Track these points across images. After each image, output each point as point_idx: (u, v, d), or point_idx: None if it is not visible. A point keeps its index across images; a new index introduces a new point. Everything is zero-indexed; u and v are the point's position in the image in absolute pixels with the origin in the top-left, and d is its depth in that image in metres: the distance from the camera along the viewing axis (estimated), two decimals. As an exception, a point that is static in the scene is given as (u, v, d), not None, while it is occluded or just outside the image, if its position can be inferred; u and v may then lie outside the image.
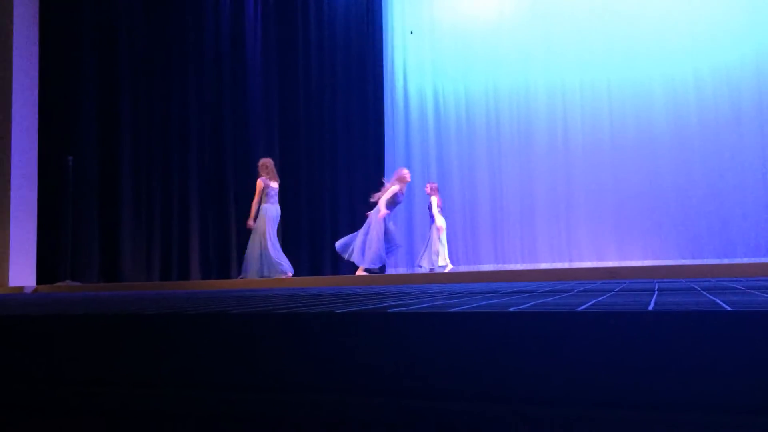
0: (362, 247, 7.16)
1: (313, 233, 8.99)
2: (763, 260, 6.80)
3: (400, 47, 9.58)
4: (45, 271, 7.86)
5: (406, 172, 7.37)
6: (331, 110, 9.31)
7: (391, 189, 7.25)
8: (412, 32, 9.48)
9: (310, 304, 1.91)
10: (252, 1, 9.00)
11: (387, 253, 7.28)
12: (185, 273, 8.35)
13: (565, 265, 8.12)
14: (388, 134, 9.48)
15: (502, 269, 8.13)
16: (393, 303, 1.87)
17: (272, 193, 7.41)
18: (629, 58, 8.35)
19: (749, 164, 7.75)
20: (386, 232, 7.21)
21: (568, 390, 1.05)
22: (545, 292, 2.62)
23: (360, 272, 7.30)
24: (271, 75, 9.07)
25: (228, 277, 8.34)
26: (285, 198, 8.87)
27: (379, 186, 7.58)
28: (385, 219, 7.19)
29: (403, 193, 7.27)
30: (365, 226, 7.31)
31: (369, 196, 9.25)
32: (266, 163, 7.48)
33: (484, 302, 1.88)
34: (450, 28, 9.30)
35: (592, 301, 1.74)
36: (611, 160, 8.33)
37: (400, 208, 9.05)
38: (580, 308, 1.49)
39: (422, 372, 1.08)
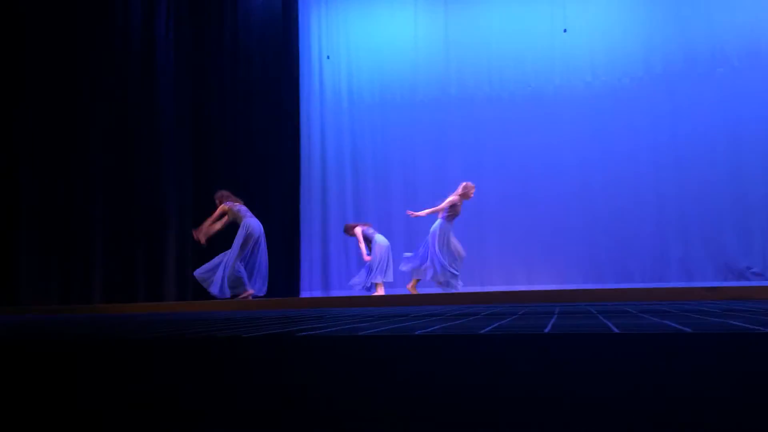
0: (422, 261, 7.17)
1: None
2: (656, 285, 7.23)
3: (317, 72, 9.64)
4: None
5: (470, 186, 7.26)
6: (246, 134, 9.18)
7: (453, 200, 7.21)
8: (328, 57, 9.57)
9: (217, 328, 1.89)
10: (163, 31, 8.78)
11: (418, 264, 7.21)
12: (87, 295, 7.97)
13: (477, 289, 8.32)
14: (304, 158, 9.46)
15: (416, 293, 8.24)
16: (303, 327, 1.88)
17: (243, 210, 7.23)
18: (535, 86, 8.73)
19: (644, 196, 8.23)
20: (446, 244, 7.13)
21: (470, 410, 1.09)
22: (453, 315, 2.70)
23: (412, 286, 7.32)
24: (183, 99, 8.83)
25: (134, 300, 8.02)
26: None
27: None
28: (442, 230, 7.14)
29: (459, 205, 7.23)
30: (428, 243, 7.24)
31: (285, 216, 9.20)
32: (223, 192, 7.27)
33: (392, 326, 1.91)
34: (366, 52, 9.45)
35: (495, 324, 1.82)
36: (521, 187, 8.64)
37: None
38: (482, 331, 1.55)
39: (325, 395, 1.09)
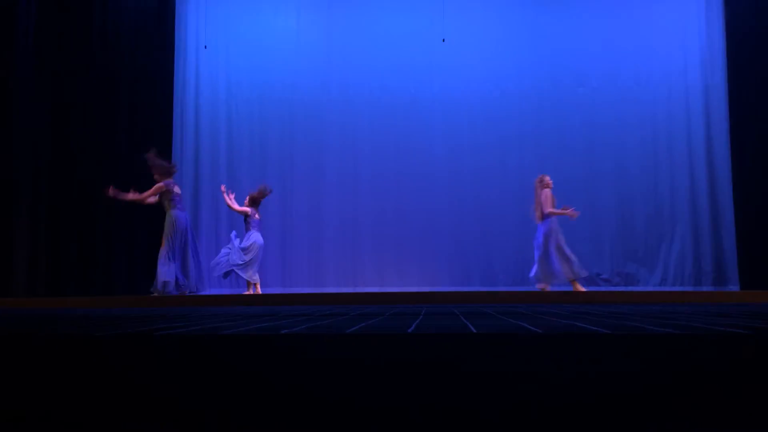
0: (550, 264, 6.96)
1: (83, 252, 8.19)
2: (518, 288, 7.63)
3: (193, 62, 9.27)
4: None
5: (543, 176, 7.19)
6: (113, 128, 8.57)
7: (544, 194, 7.04)
8: (206, 47, 9.23)
9: (73, 325, 1.78)
10: (24, 7, 8.03)
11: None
12: None
13: (350, 289, 8.37)
14: (176, 154, 9.04)
15: (288, 292, 8.16)
16: (164, 326, 1.80)
17: (177, 198, 6.95)
18: (413, 91, 8.92)
19: (509, 206, 8.64)
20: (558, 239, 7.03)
21: (327, 411, 1.09)
22: (323, 315, 2.70)
23: (577, 287, 6.93)
24: (44, 91, 8.08)
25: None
26: (59, 221, 8.06)
27: None
28: (554, 228, 7.02)
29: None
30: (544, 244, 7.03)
31: (153, 212, 8.71)
32: (163, 163, 6.96)
33: (258, 325, 1.89)
34: (245, 43, 9.22)
35: (362, 324, 1.84)
36: (396, 188, 8.78)
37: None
38: (349, 330, 1.57)
39: (176, 396, 1.06)
